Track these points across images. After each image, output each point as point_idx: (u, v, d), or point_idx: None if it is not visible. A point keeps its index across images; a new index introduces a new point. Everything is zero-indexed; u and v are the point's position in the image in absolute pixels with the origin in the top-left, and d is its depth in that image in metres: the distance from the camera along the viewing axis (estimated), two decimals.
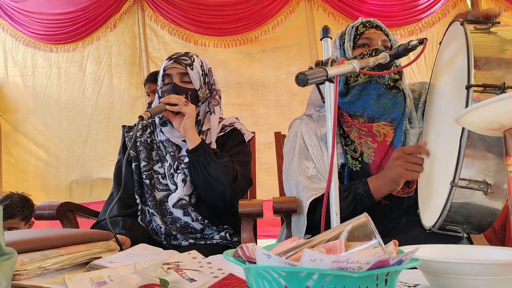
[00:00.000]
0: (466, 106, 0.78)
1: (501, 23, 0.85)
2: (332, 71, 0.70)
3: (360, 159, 1.18)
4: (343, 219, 0.74)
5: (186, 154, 1.29)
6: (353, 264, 0.45)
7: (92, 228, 1.23)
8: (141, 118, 1.14)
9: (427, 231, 1.01)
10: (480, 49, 0.79)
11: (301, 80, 0.65)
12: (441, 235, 0.96)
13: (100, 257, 0.83)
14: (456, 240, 0.97)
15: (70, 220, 1.26)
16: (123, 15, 3.87)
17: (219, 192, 1.24)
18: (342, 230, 0.61)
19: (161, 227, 1.25)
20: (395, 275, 0.51)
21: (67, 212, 1.26)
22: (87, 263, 0.80)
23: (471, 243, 1.10)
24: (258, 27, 3.73)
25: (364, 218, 0.54)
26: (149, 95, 2.62)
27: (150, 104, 2.51)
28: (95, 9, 3.85)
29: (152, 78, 2.56)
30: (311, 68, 0.77)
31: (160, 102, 1.28)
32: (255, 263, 0.55)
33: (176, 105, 1.24)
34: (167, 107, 1.24)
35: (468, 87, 0.77)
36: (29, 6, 3.94)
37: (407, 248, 0.63)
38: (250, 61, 3.75)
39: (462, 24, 0.87)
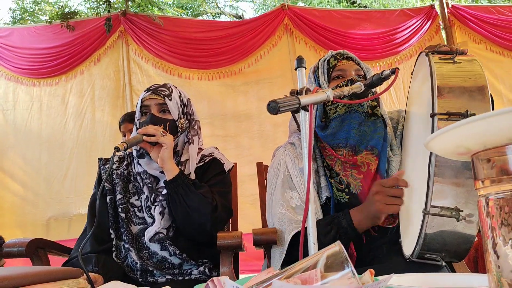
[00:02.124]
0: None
1: (467, 53, 0.87)
2: (305, 99, 0.71)
3: (347, 190, 1.17)
4: None
5: (164, 185, 1.27)
6: None
7: (63, 265, 1.17)
8: (116, 149, 1.12)
9: (407, 260, 0.99)
10: (444, 78, 0.81)
11: (273, 108, 0.65)
12: (422, 263, 0.95)
13: None
14: (436, 268, 0.96)
15: (40, 257, 1.20)
16: (107, 49, 3.90)
17: (198, 223, 1.20)
18: (318, 259, 0.59)
19: (137, 263, 1.20)
20: None
21: (38, 249, 1.20)
22: None
23: (453, 271, 1.09)
24: (241, 60, 3.80)
25: (337, 246, 0.53)
26: (125, 135, 2.51)
27: None
28: (79, 44, 3.88)
29: (128, 117, 2.50)
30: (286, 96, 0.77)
31: (137, 133, 1.26)
32: None
33: (153, 135, 1.23)
34: (144, 137, 1.22)
35: (432, 115, 0.78)
36: (13, 41, 3.95)
37: (384, 277, 0.61)
38: (234, 93, 3.79)
39: (427, 54, 0.89)
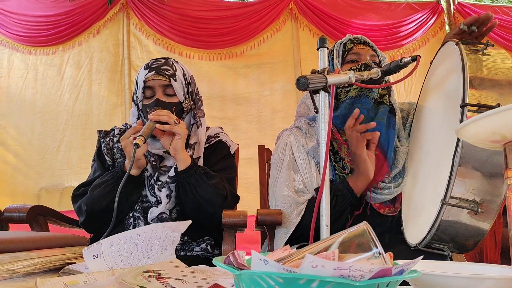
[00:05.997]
0: None
1: (495, 46, 0.87)
2: (331, 78, 0.70)
3: (349, 175, 1.17)
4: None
5: (167, 165, 1.25)
6: (355, 272, 0.43)
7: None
8: (136, 145, 1.09)
9: (412, 248, 1.00)
10: (475, 69, 0.80)
11: (302, 83, 0.64)
12: (426, 252, 0.96)
13: (75, 263, 0.77)
14: (440, 258, 0.97)
15: (40, 224, 1.19)
16: (108, 22, 3.81)
17: (208, 213, 1.19)
18: (334, 241, 0.59)
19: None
20: (394, 285, 0.49)
21: (38, 216, 1.19)
22: (60, 268, 0.74)
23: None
24: (243, 43, 3.75)
25: (363, 225, 0.52)
26: None
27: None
28: (78, 14, 3.78)
29: None
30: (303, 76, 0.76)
31: (147, 120, 1.19)
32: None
33: (166, 123, 1.17)
34: (157, 125, 1.16)
35: (463, 106, 0.77)
36: (10, 6, 3.84)
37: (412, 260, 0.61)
38: (234, 76, 3.75)
39: (457, 44, 0.88)
